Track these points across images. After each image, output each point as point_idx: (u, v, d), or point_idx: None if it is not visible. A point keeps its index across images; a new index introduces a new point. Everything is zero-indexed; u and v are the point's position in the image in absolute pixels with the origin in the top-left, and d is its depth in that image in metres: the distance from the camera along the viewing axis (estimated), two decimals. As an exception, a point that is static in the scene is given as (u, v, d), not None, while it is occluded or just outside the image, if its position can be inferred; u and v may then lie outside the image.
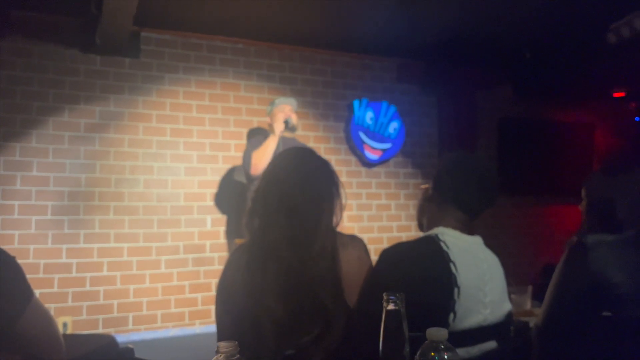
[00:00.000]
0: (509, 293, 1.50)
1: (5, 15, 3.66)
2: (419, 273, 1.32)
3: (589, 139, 6.05)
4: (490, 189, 1.49)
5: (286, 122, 3.46)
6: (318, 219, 1.41)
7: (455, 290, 1.30)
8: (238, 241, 4.01)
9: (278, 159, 1.54)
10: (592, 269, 1.52)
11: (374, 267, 1.39)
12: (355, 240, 1.47)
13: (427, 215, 1.54)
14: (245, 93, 4.41)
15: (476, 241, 1.45)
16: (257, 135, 4.00)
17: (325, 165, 1.53)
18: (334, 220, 1.47)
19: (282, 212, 1.41)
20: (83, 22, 3.75)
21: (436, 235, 1.39)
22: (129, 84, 4.02)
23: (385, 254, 1.39)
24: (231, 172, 4.29)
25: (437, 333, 0.91)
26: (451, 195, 1.46)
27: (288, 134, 3.58)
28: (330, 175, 1.50)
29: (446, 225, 1.44)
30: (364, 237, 1.48)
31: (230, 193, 4.24)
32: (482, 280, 1.36)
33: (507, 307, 1.43)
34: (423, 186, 1.61)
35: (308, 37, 4.45)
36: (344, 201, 1.50)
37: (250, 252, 1.42)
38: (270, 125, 3.64)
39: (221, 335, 1.43)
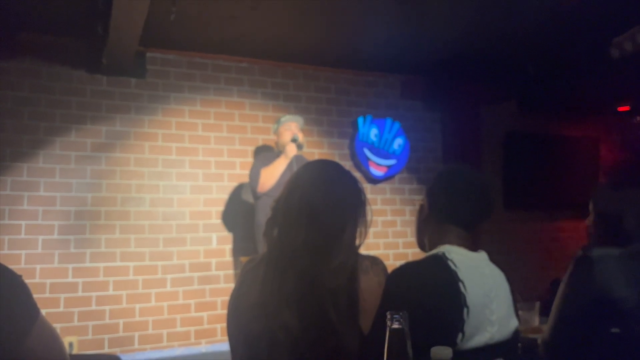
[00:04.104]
0: (517, 309, 1.49)
1: (13, 37, 3.72)
2: (428, 294, 1.29)
3: (594, 153, 6.04)
4: (485, 201, 1.48)
5: (294, 140, 3.47)
6: (341, 231, 1.35)
7: (465, 310, 1.28)
8: (243, 259, 4.02)
9: (302, 168, 1.49)
10: (597, 283, 1.51)
11: (383, 290, 1.34)
12: (375, 265, 1.40)
13: (428, 234, 1.53)
14: (250, 111, 4.44)
15: (481, 257, 1.44)
16: (264, 152, 4.02)
17: (352, 180, 1.47)
18: (358, 239, 1.41)
19: (303, 220, 1.34)
20: (90, 44, 3.81)
21: (443, 254, 1.37)
22: (135, 103, 4.06)
23: (393, 275, 1.36)
24: (237, 190, 4.30)
25: (441, 352, 0.90)
26: (447, 214, 1.45)
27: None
28: (356, 190, 1.45)
29: (451, 243, 1.42)
30: (370, 254, 1.46)
31: (236, 211, 4.25)
32: (488, 297, 1.35)
33: (514, 323, 1.42)
34: (418, 202, 1.59)
35: (312, 55, 4.49)
36: (369, 218, 1.43)
37: (267, 262, 1.36)
38: (277, 144, 3.67)
39: (235, 356, 1.38)
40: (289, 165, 3.40)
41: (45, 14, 3.49)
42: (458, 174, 1.51)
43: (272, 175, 3.41)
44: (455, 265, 1.34)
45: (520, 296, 2.43)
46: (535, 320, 2.35)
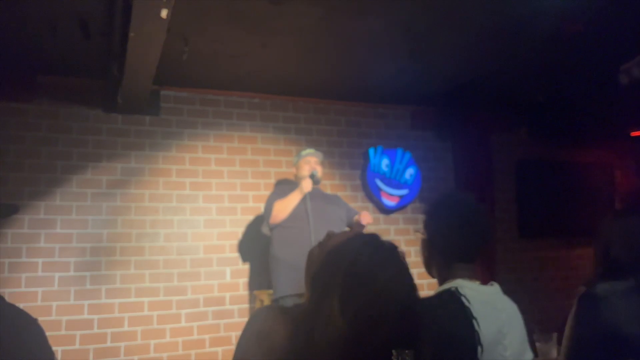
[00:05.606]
0: (534, 341, 1.46)
1: (32, 80, 3.84)
2: (441, 333, 1.26)
3: (609, 178, 5.98)
4: (479, 230, 1.46)
5: (312, 175, 3.51)
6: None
7: (479, 348, 1.27)
8: (257, 293, 4.01)
9: (366, 254, 1.04)
10: (605, 320, 1.47)
11: None
12: None
13: (434, 267, 1.52)
14: (262, 145, 4.50)
15: (494, 291, 1.43)
16: (284, 184, 4.04)
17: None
18: None
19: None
20: (105, 84, 3.91)
21: (456, 290, 1.36)
22: (149, 140, 4.14)
23: None
24: (251, 223, 4.32)
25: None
26: (449, 254, 1.44)
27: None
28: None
29: (462, 277, 1.41)
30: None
31: (250, 245, 4.26)
32: (501, 333, 1.33)
33: (528, 356, 1.40)
34: (418, 235, 1.57)
35: (322, 89, 4.56)
36: None
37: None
38: (296, 176, 3.71)
39: None
40: (303, 200, 3.44)
41: (62, 57, 3.61)
42: (448, 209, 1.50)
43: (285, 208, 3.44)
44: (468, 301, 1.32)
45: (537, 327, 2.38)
46: (553, 352, 2.30)
